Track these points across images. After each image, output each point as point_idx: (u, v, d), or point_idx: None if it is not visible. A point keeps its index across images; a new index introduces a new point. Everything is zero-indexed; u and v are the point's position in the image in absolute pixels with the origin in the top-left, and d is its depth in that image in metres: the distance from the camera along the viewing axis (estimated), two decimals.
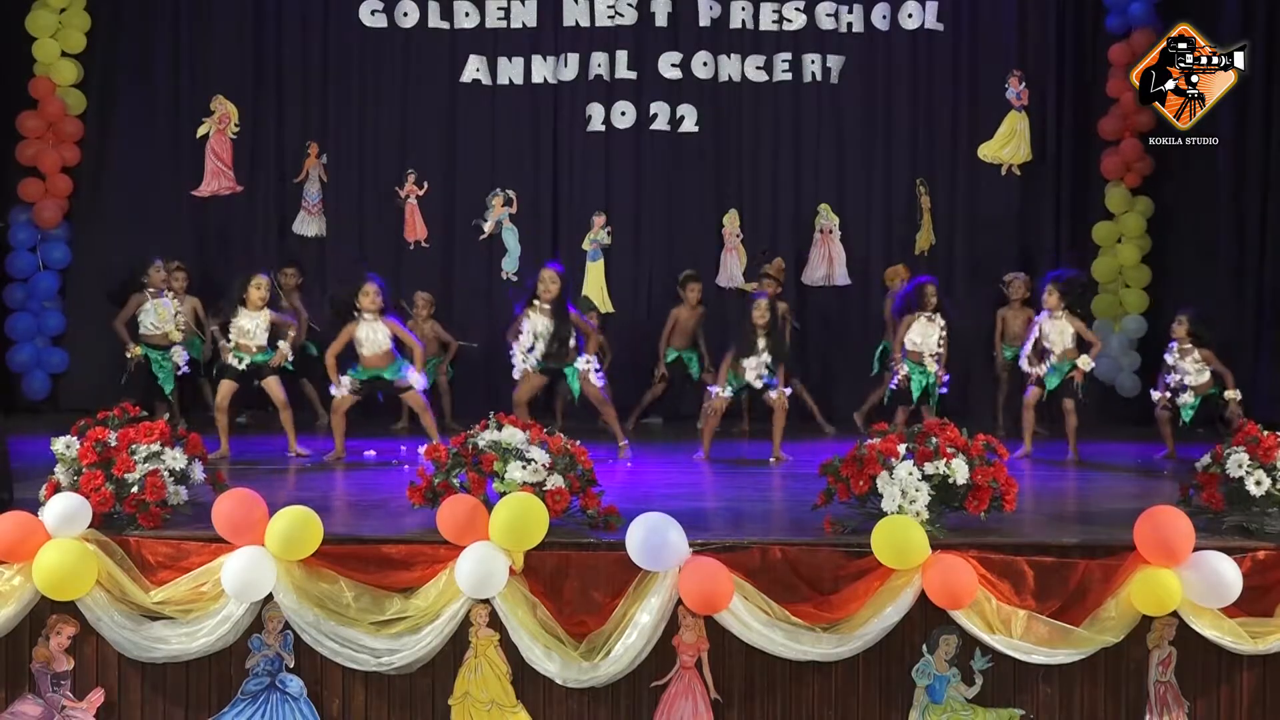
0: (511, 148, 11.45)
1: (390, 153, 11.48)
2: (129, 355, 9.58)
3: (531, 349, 8.81)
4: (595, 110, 11.36)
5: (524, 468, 6.15)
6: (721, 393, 8.89)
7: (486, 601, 5.94)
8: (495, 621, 5.95)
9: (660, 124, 11.35)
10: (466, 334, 10.90)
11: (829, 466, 6.36)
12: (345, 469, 8.43)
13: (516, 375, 8.86)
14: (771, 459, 8.82)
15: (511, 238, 11.41)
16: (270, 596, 5.94)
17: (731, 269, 11.38)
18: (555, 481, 6.15)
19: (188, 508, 6.35)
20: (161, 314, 9.64)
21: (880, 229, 11.44)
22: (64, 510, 6.00)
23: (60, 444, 6.35)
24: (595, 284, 11.26)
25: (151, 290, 9.74)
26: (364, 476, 8.18)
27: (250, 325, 8.81)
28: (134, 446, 6.30)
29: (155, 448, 6.33)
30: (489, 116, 11.44)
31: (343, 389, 8.60)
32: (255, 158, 11.50)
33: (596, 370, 8.84)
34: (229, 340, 8.87)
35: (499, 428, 6.34)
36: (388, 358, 8.69)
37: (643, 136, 11.39)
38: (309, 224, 11.49)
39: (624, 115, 11.35)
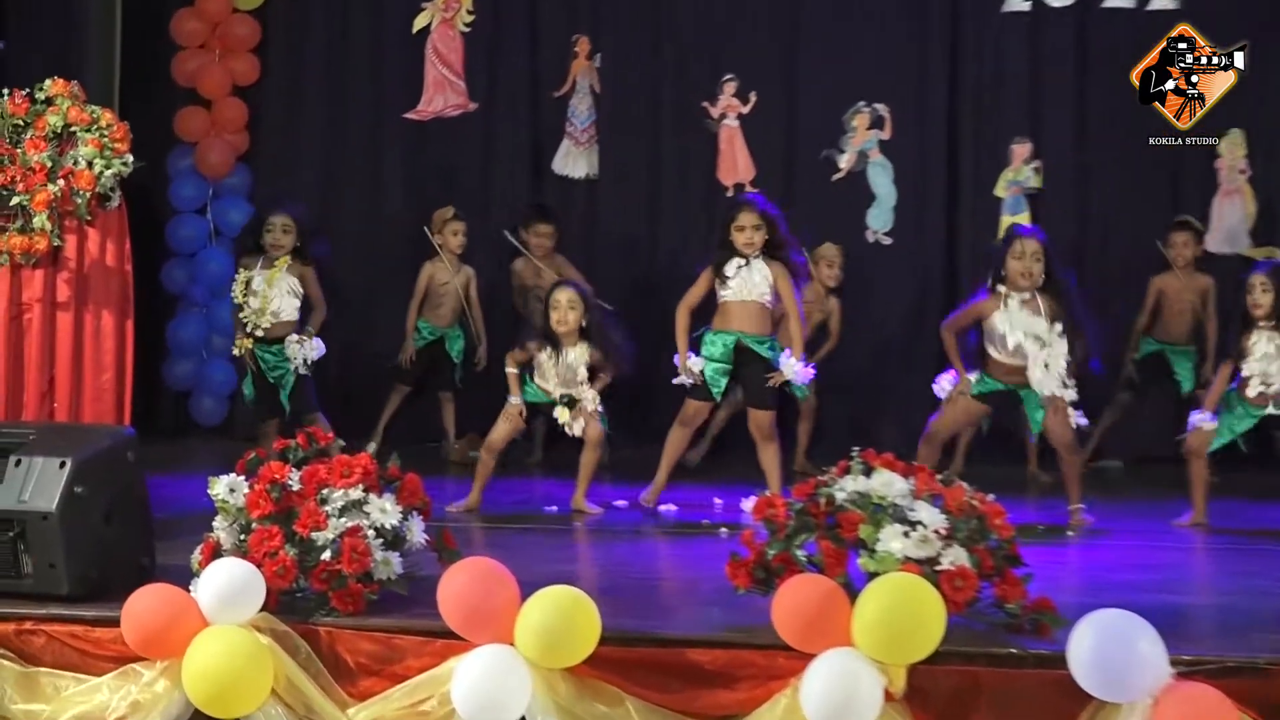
0: (882, 40, 11.50)
1: (697, 52, 11.65)
2: (236, 352, 9.95)
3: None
4: None
5: (907, 535, 6.08)
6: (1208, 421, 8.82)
7: None
8: None
9: None
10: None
11: None
12: (635, 537, 8.56)
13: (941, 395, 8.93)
14: None
15: (883, 177, 11.46)
16: None
17: (1231, 223, 11.15)
18: (956, 557, 6.05)
19: (403, 585, 6.48)
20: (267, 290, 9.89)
21: None
22: (226, 585, 6.17)
23: (221, 486, 6.53)
24: None
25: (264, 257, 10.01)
26: (654, 545, 8.31)
27: (570, 361, 9.06)
28: (325, 492, 6.44)
29: (356, 494, 6.45)
30: None
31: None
32: (496, 62, 11.84)
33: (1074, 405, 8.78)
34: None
35: (867, 471, 6.28)
36: None
37: (1089, 19, 11.33)
38: (576, 159, 11.76)
39: None
